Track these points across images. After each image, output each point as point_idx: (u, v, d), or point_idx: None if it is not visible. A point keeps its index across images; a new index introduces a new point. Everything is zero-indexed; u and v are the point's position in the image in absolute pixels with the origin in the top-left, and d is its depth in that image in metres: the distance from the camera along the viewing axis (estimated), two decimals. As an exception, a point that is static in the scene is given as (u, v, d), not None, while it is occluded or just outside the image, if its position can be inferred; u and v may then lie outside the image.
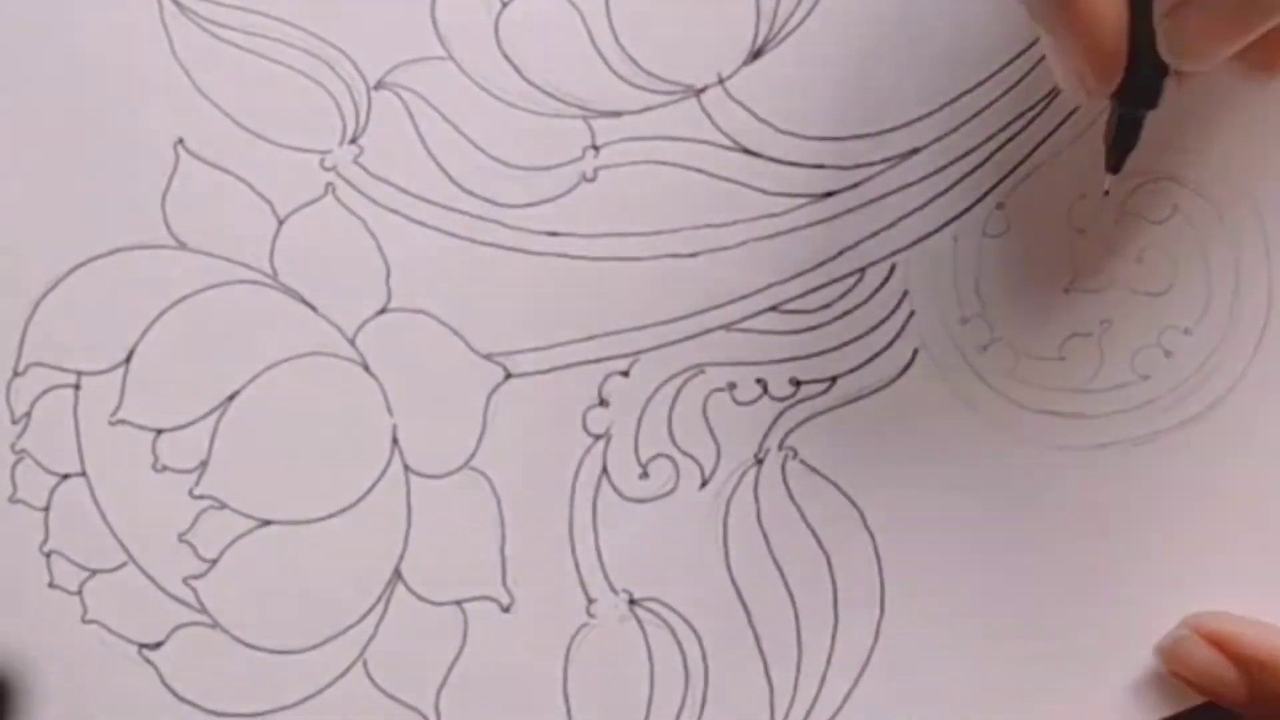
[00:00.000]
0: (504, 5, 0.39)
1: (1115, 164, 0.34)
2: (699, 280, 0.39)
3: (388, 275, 0.39)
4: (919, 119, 0.39)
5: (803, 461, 0.39)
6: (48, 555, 0.38)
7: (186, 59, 0.39)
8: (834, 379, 0.39)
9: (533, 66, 0.39)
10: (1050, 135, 0.39)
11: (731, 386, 0.39)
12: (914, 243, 0.39)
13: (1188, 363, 0.39)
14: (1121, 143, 0.34)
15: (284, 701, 0.38)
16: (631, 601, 0.38)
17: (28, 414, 0.38)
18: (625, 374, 0.39)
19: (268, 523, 0.38)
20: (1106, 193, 0.37)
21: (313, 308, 0.39)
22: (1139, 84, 0.32)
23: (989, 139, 0.39)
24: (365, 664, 0.38)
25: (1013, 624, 0.38)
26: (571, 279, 0.39)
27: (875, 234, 0.39)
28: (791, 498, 0.38)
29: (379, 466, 0.38)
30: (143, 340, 0.38)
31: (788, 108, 0.39)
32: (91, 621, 0.38)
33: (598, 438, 0.39)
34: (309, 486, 0.38)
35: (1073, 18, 0.31)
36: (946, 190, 0.39)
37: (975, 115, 0.39)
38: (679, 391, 0.39)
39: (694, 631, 0.38)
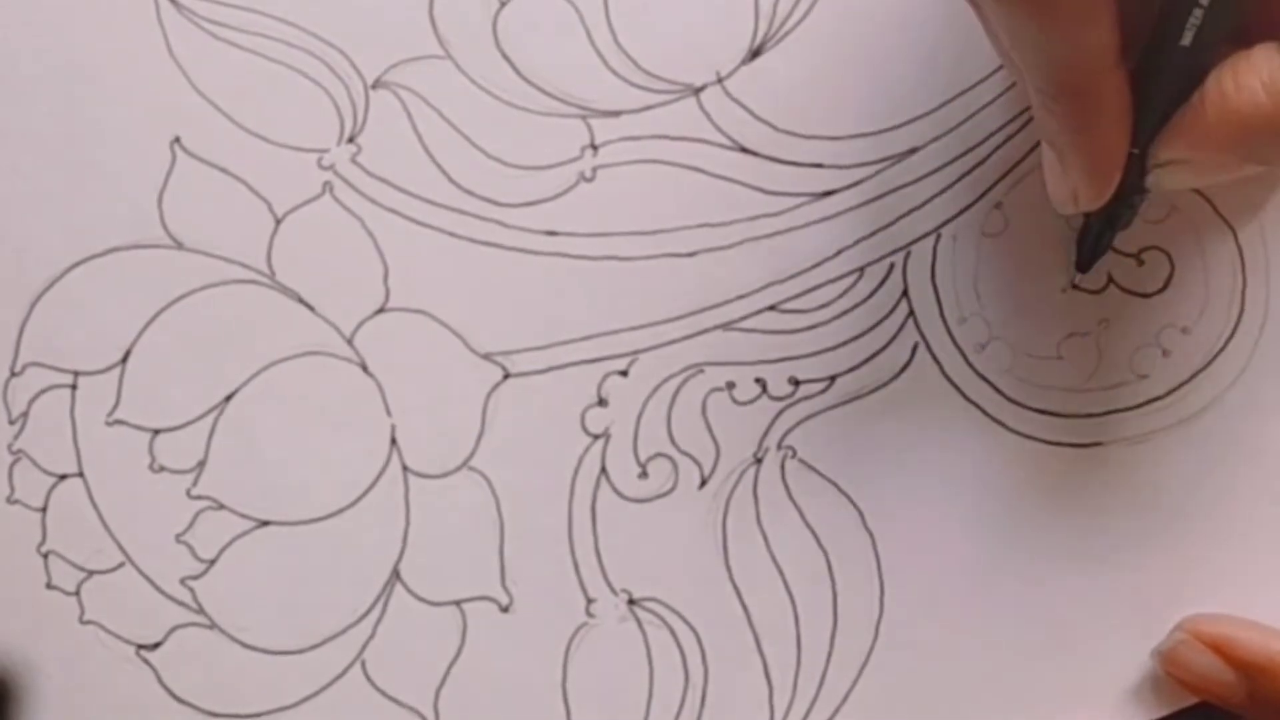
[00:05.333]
0: (502, 4, 0.39)
1: (1086, 266, 0.37)
2: (697, 279, 0.39)
3: (386, 275, 0.39)
4: (917, 118, 0.39)
5: (802, 461, 0.39)
6: (45, 556, 0.38)
7: (183, 57, 0.39)
8: (833, 378, 0.39)
9: (531, 65, 0.39)
10: (1049, 135, 0.39)
11: (730, 386, 0.39)
12: (912, 242, 0.39)
13: (1186, 362, 0.39)
14: (1096, 251, 0.37)
15: (283, 701, 0.38)
16: (631, 601, 0.38)
17: (25, 414, 0.38)
18: (624, 373, 0.39)
19: (266, 523, 0.38)
20: (1075, 285, 0.38)
21: (310, 307, 0.39)
22: (1120, 206, 0.35)
23: (987, 138, 0.39)
24: (364, 664, 0.38)
25: (1012, 624, 0.38)
26: (570, 278, 0.39)
27: (874, 233, 0.39)
28: (791, 497, 0.38)
29: (377, 466, 0.38)
30: (139, 340, 0.38)
31: (786, 107, 0.39)
32: (89, 622, 0.38)
33: (596, 437, 0.39)
34: (307, 487, 0.38)
35: (1086, 143, 0.33)
36: (945, 189, 0.39)
37: (974, 114, 0.39)
38: (678, 391, 0.39)
39: (694, 631, 0.38)
